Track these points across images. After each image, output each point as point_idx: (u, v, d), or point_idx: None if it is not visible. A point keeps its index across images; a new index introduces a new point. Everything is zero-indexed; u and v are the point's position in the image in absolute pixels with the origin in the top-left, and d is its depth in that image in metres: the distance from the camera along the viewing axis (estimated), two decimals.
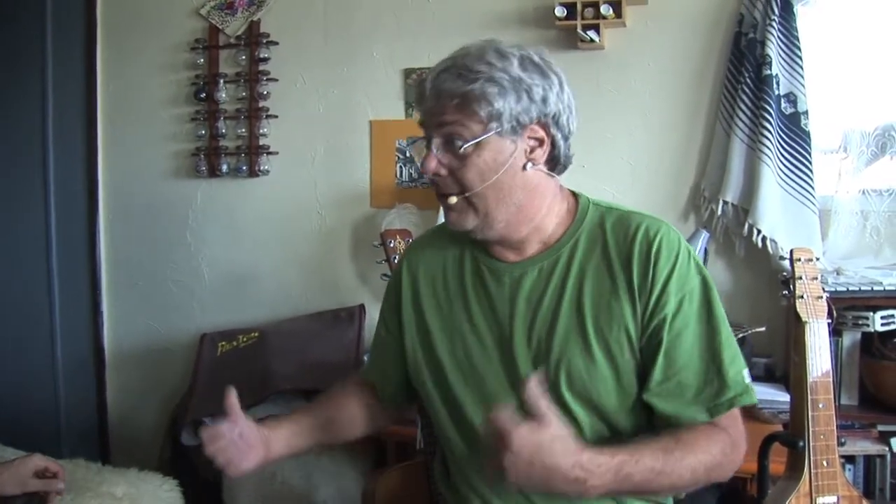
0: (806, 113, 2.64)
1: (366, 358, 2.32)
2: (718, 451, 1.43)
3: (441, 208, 2.72)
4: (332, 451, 2.69)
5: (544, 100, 1.44)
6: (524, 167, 1.46)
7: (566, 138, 1.50)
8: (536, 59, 1.46)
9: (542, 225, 1.53)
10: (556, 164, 1.52)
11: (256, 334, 3.05)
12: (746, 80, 2.65)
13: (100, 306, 3.56)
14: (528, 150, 1.46)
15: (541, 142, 1.47)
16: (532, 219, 1.51)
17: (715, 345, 1.47)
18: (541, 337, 1.49)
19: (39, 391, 3.53)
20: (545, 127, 1.46)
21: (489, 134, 1.42)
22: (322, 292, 3.25)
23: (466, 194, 1.46)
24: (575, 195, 1.60)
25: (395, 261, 2.55)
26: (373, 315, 2.98)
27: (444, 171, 1.46)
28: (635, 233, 1.49)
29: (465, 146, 1.42)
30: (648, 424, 1.53)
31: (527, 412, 1.47)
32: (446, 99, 1.42)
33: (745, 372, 1.48)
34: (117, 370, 3.60)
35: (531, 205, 1.50)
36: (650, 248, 1.47)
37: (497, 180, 1.44)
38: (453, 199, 1.48)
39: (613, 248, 1.50)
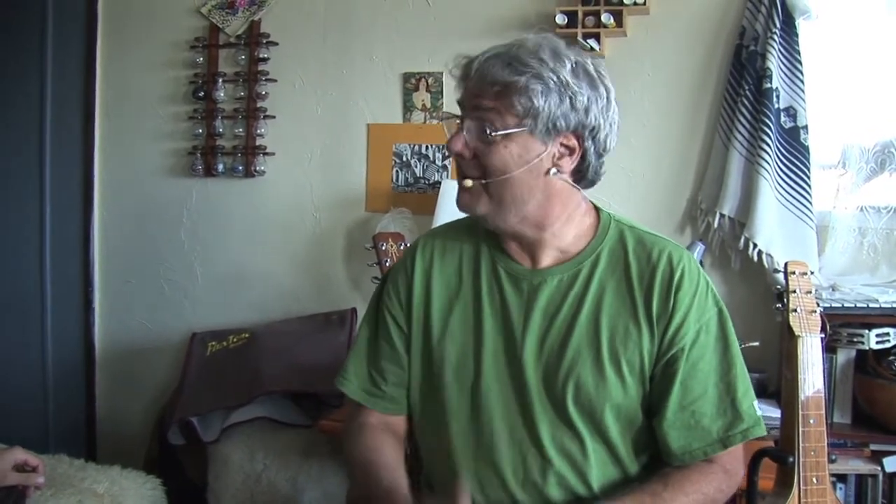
0: (805, 127, 2.62)
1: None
2: (713, 488, 1.46)
3: (438, 211, 2.75)
4: (318, 455, 2.67)
5: (586, 110, 1.41)
6: (548, 172, 1.44)
7: (600, 155, 1.48)
8: (591, 68, 1.44)
9: (559, 233, 1.50)
10: (582, 176, 1.49)
11: (247, 335, 3.04)
12: (746, 93, 2.63)
13: (92, 303, 3.55)
14: (557, 155, 1.44)
15: (571, 151, 1.45)
16: (550, 225, 1.49)
17: (730, 377, 1.48)
18: (552, 349, 1.48)
19: (29, 386, 3.50)
20: (580, 138, 1.44)
21: (521, 129, 1.40)
22: (314, 295, 3.23)
23: (484, 181, 1.44)
24: (596, 209, 1.58)
25: (388, 264, 2.53)
26: None
27: (467, 154, 1.45)
28: (658, 258, 1.48)
29: (495, 134, 1.40)
30: (651, 456, 1.53)
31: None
32: (488, 84, 1.40)
33: (756, 403, 1.49)
34: (107, 367, 3.58)
35: (549, 210, 1.48)
36: (672, 276, 1.47)
37: (518, 176, 1.42)
38: (468, 182, 1.46)
39: (635, 269, 1.49)
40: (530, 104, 1.38)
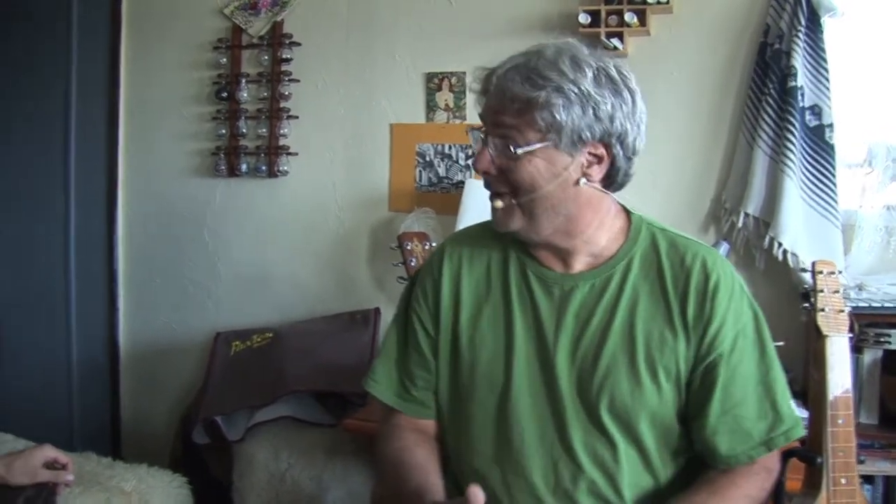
0: (831, 126, 2.60)
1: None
2: (757, 489, 1.46)
3: (462, 210, 2.75)
4: (343, 454, 2.68)
5: (611, 118, 1.39)
6: (577, 181, 1.42)
7: (629, 158, 1.46)
8: (613, 72, 1.41)
9: (592, 238, 1.49)
10: (612, 181, 1.47)
11: (271, 334, 3.05)
12: (771, 91, 2.62)
13: (116, 302, 3.57)
14: (585, 164, 1.42)
15: (600, 159, 1.43)
16: (582, 231, 1.48)
17: (769, 379, 1.47)
18: (586, 355, 1.46)
19: (54, 385, 3.53)
20: (607, 145, 1.42)
21: (545, 144, 1.38)
22: (338, 294, 3.24)
23: (514, 201, 1.43)
24: (626, 211, 1.56)
25: (413, 264, 2.53)
26: (388, 319, 2.93)
27: (493, 171, 1.43)
28: (692, 263, 1.47)
29: (518, 151, 1.38)
30: (686, 460, 1.52)
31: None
32: (508, 101, 1.38)
33: (793, 404, 1.49)
34: (131, 366, 3.60)
35: (581, 218, 1.46)
36: (707, 282, 1.45)
37: (547, 190, 1.41)
38: (499, 204, 1.45)
39: (669, 274, 1.47)
40: (552, 119, 1.36)
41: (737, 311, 1.46)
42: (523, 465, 1.49)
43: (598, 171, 1.44)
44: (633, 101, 1.43)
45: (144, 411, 3.58)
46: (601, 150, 1.42)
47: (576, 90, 1.36)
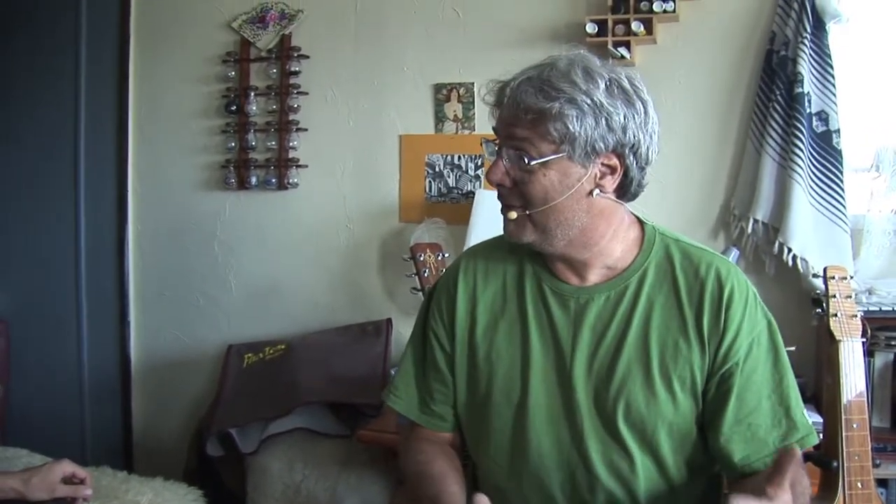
0: (838, 131, 2.61)
1: (392, 372, 2.28)
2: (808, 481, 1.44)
3: (472, 221, 2.76)
4: (357, 464, 2.68)
5: (624, 129, 1.39)
6: (590, 193, 1.42)
7: (642, 168, 1.45)
8: (626, 83, 1.41)
9: (606, 249, 1.49)
10: (625, 191, 1.47)
11: (283, 347, 3.06)
12: (778, 98, 2.63)
13: (127, 316, 3.57)
14: (598, 176, 1.42)
15: (613, 170, 1.43)
16: (596, 243, 1.47)
17: (782, 387, 1.47)
18: (602, 366, 1.47)
19: (65, 400, 3.55)
20: (620, 156, 1.41)
21: (559, 156, 1.38)
22: (349, 306, 3.25)
23: (528, 212, 1.43)
24: (640, 221, 1.56)
25: (427, 275, 2.54)
26: (399, 330, 2.98)
27: (508, 183, 1.43)
28: (706, 274, 1.47)
29: (532, 163, 1.39)
30: (702, 471, 1.52)
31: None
32: (522, 112, 1.37)
33: (805, 411, 1.49)
34: (143, 380, 3.61)
35: (594, 229, 1.46)
36: (721, 292, 1.45)
37: (560, 202, 1.41)
38: (513, 215, 1.45)
39: (683, 285, 1.47)
40: (566, 130, 1.35)
41: (751, 320, 1.46)
42: (541, 476, 1.50)
43: (611, 182, 1.44)
44: (646, 112, 1.43)
45: (156, 425, 3.59)
46: (614, 161, 1.42)
47: (588, 101, 1.36)
